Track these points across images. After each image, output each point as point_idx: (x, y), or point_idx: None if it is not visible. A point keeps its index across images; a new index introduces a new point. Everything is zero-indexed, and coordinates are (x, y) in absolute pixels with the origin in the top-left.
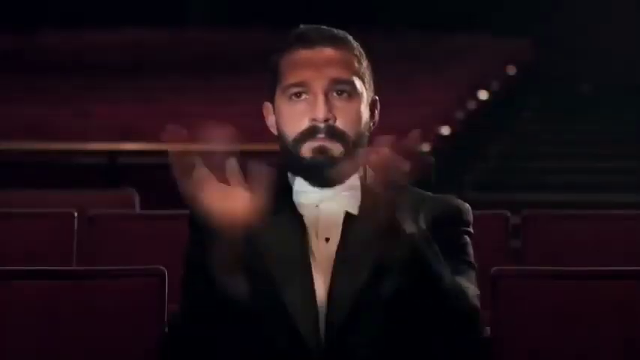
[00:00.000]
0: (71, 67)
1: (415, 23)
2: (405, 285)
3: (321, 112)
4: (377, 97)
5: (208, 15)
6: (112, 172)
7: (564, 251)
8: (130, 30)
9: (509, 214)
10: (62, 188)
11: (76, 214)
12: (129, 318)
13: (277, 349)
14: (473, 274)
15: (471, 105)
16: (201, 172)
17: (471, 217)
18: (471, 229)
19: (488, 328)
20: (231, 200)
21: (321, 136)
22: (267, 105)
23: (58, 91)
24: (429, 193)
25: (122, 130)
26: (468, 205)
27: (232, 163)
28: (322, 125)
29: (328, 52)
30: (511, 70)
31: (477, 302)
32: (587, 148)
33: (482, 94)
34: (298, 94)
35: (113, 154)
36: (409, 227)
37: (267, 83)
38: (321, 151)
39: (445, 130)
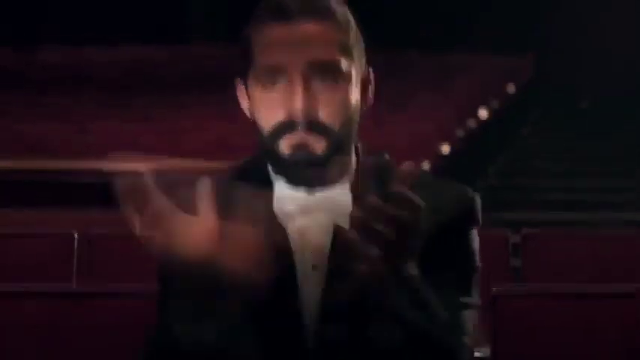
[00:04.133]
0: (72, 85)
1: (415, 40)
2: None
3: (298, 103)
4: (370, 70)
5: (208, 32)
6: (113, 190)
7: (564, 270)
8: (129, 47)
9: (509, 232)
10: (62, 206)
11: (76, 235)
12: (129, 338)
13: None
14: (475, 281)
15: (471, 123)
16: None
17: (479, 208)
18: (478, 225)
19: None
20: (195, 228)
21: (301, 130)
22: (240, 86)
23: (58, 108)
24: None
25: (122, 147)
26: (477, 197)
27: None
28: (301, 118)
29: (308, 27)
30: (510, 88)
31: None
32: (585, 166)
33: (482, 112)
34: (273, 80)
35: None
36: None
37: (240, 59)
38: (300, 147)
39: (445, 148)
